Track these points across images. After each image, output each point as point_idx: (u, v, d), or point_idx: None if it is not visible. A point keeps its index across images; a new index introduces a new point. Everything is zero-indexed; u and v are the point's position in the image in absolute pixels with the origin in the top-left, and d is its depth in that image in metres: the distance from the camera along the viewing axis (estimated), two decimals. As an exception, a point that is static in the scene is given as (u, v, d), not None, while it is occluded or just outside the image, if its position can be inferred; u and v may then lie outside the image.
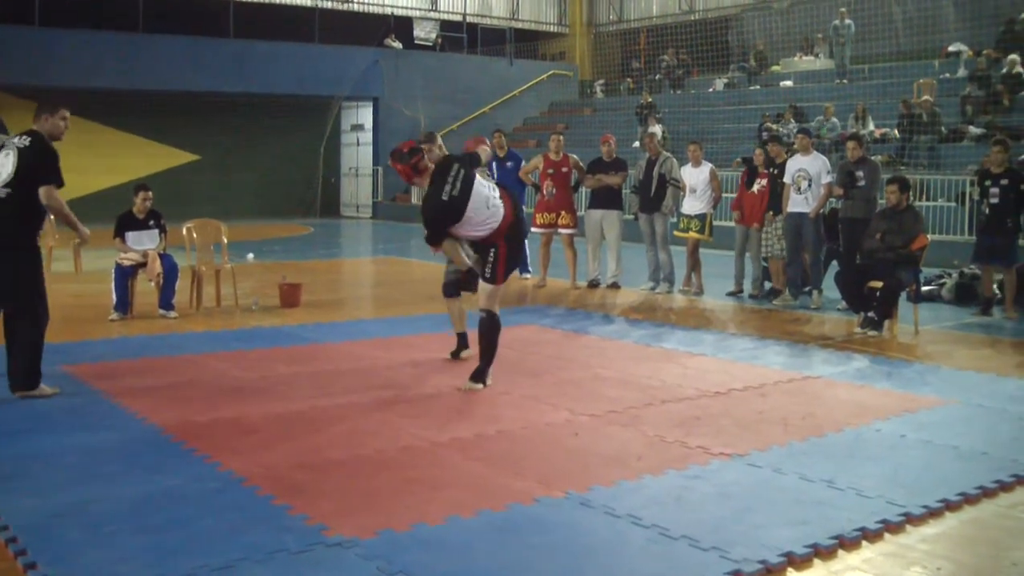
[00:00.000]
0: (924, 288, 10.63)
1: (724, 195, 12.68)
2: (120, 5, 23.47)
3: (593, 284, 12.36)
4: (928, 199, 15.83)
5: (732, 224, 11.85)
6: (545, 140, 18.66)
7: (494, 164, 11.58)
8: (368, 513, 4.35)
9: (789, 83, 23.80)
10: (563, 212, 12.35)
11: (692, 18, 28.56)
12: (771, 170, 11.18)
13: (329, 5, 27.28)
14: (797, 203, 10.64)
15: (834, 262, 11.29)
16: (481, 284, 6.77)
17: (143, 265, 9.62)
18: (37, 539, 4.01)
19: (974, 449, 5.50)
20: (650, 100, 23.92)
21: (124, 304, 9.58)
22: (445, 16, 29.75)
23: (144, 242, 9.80)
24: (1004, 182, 10.20)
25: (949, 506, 4.59)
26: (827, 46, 24.09)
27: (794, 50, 25.35)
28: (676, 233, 12.05)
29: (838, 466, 5.13)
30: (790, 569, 3.91)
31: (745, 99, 23.99)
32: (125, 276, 9.59)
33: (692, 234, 11.78)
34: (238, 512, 4.36)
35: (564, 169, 12.39)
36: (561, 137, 12.81)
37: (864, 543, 4.17)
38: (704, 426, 5.91)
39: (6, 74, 21.23)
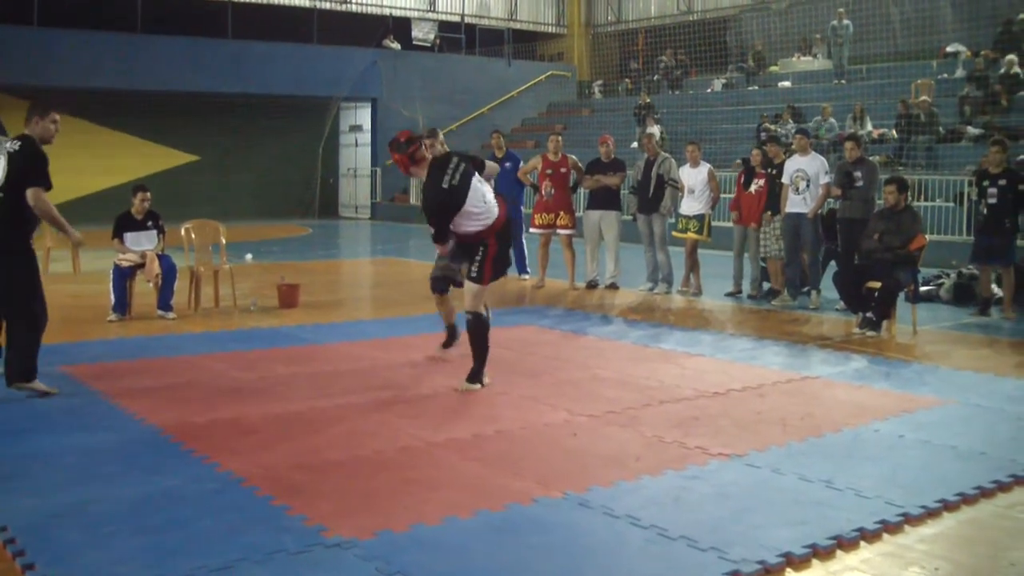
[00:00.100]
0: (922, 288, 10.64)
1: (722, 195, 12.68)
2: (119, 6, 23.47)
3: (591, 285, 12.36)
4: (926, 199, 15.84)
5: (730, 225, 11.86)
6: (543, 141, 18.66)
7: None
8: (367, 514, 4.35)
9: (787, 83, 23.82)
10: (562, 213, 12.36)
11: (690, 19, 28.57)
12: (769, 170, 11.19)
13: (327, 6, 27.28)
14: (795, 203, 10.65)
15: (832, 262, 11.30)
16: (467, 285, 6.80)
17: (141, 266, 9.62)
18: (36, 540, 4.01)
19: (972, 449, 5.50)
20: (648, 101, 23.92)
21: (122, 305, 9.57)
22: (443, 17, 29.76)
23: (142, 243, 9.79)
24: (1002, 182, 10.21)
25: (947, 506, 4.59)
26: (825, 47, 24.10)
27: (792, 51, 25.36)
28: (674, 234, 12.06)
29: (836, 466, 5.13)
30: (788, 569, 3.91)
31: (743, 100, 24.00)
32: (123, 277, 9.59)
33: (690, 235, 11.78)
34: (237, 513, 4.36)
35: (563, 170, 12.40)
36: (560, 138, 12.81)
37: (862, 543, 4.18)
38: (702, 427, 5.91)
39: (5, 74, 21.22)
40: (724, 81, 25.76)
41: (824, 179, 10.55)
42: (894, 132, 18.51)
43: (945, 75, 20.38)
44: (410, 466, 5.08)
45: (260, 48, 24.85)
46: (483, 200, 6.65)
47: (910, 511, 4.47)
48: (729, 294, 11.68)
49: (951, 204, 15.29)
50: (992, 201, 10.24)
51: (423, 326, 9.24)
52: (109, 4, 23.54)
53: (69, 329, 8.73)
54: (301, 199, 27.07)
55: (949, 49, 21.34)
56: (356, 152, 28.32)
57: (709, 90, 25.76)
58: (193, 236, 10.55)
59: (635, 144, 20.14)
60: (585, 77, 31.43)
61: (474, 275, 6.71)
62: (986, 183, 10.34)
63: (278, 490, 4.63)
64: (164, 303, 9.71)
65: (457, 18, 29.82)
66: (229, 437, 5.57)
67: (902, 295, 9.43)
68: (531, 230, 12.66)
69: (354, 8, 28.08)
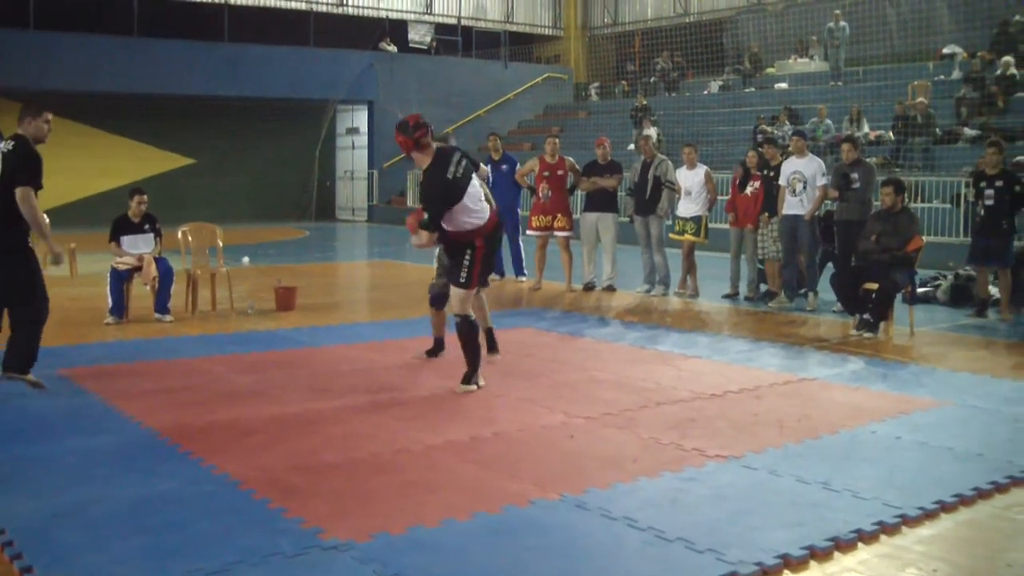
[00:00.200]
0: (919, 290, 10.65)
1: (719, 197, 12.70)
2: (116, 9, 23.46)
3: (588, 287, 12.36)
4: (923, 201, 15.86)
5: (727, 227, 11.86)
6: (540, 143, 18.65)
7: (489, 167, 11.57)
8: (364, 516, 4.35)
9: (784, 85, 23.84)
10: (559, 215, 12.36)
11: (687, 20, 28.62)
12: (765, 172, 11.20)
13: (324, 9, 27.31)
14: (792, 205, 10.66)
15: (829, 264, 11.30)
16: (453, 290, 6.83)
17: (138, 269, 9.62)
18: (34, 542, 4.00)
19: (969, 451, 5.50)
20: (645, 103, 23.94)
21: (119, 308, 9.57)
22: (440, 19, 29.78)
23: (139, 246, 9.79)
24: (999, 184, 10.22)
25: (945, 507, 4.59)
26: (821, 48, 24.12)
27: (789, 52, 25.39)
28: (671, 236, 12.06)
29: (834, 468, 5.14)
30: (786, 571, 3.91)
31: (740, 101, 24.03)
32: (120, 280, 9.58)
33: (687, 236, 11.79)
34: (234, 515, 4.35)
35: (560, 172, 12.40)
36: (557, 140, 12.81)
37: (860, 545, 4.18)
38: (699, 428, 5.92)
39: (2, 78, 21.20)
40: (720, 83, 25.79)
41: (821, 181, 10.56)
42: (891, 134, 18.54)
43: (941, 77, 20.43)
44: (407, 468, 5.08)
45: (257, 51, 24.85)
46: (479, 198, 6.70)
47: (907, 512, 4.47)
48: (726, 296, 11.68)
49: (948, 205, 15.31)
50: (989, 202, 10.25)
51: (419, 329, 9.22)
52: (106, 8, 23.54)
53: (66, 332, 8.72)
54: (298, 202, 27.07)
55: (945, 51, 21.38)
56: (353, 155, 28.33)
57: (706, 92, 25.80)
58: (190, 239, 10.55)
59: (632, 146, 20.17)
60: (582, 79, 31.45)
61: (462, 281, 6.73)
62: (983, 184, 10.35)
63: (275, 492, 4.62)
64: (161, 306, 9.70)
65: (453, 20, 29.84)
66: (226, 439, 5.56)
67: (899, 297, 9.44)
68: (528, 232, 12.66)
69: (350, 11, 28.10)
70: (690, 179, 11.82)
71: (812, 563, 3.99)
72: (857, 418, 6.18)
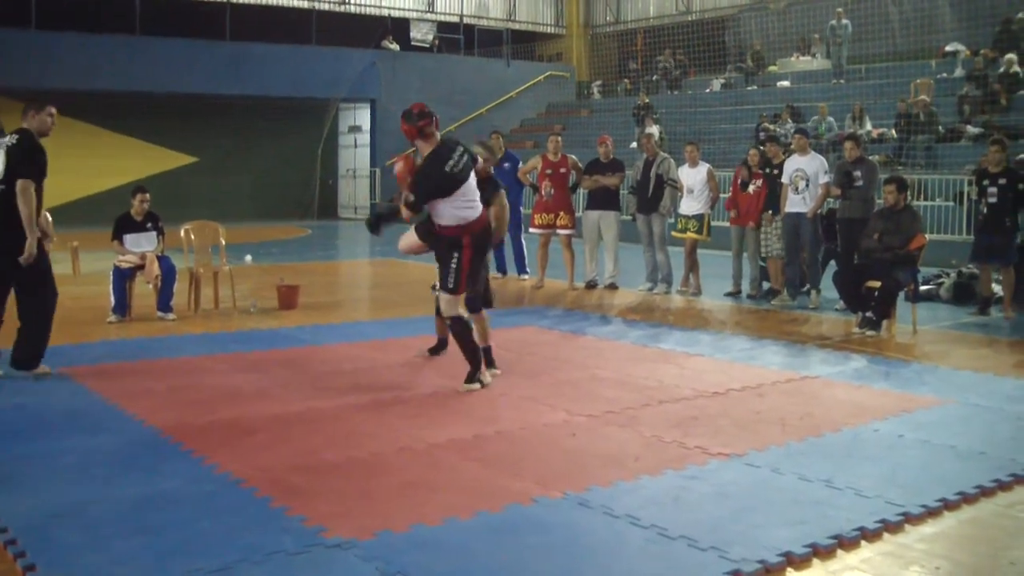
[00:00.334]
0: (922, 288, 10.63)
1: (721, 195, 12.70)
2: (117, 8, 23.46)
3: (591, 285, 12.36)
4: (926, 199, 15.85)
5: (729, 224, 11.85)
6: (542, 141, 18.66)
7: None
8: (366, 514, 4.35)
9: (786, 83, 23.82)
10: (561, 213, 12.36)
11: (689, 19, 28.59)
12: (768, 170, 11.19)
13: (326, 7, 27.29)
14: (795, 203, 10.65)
15: (832, 262, 11.30)
16: (441, 295, 6.85)
17: (141, 267, 9.62)
18: (36, 541, 4.00)
19: (972, 449, 5.50)
20: (647, 101, 23.93)
21: (122, 306, 9.57)
22: (442, 17, 29.77)
23: (142, 244, 9.79)
24: (1002, 181, 10.21)
25: (947, 505, 4.59)
26: (824, 46, 24.10)
27: (791, 50, 25.37)
28: (674, 234, 12.06)
29: (836, 466, 5.13)
30: (789, 569, 3.91)
31: (742, 99, 24.01)
32: (123, 278, 9.59)
33: (690, 234, 11.79)
34: (236, 514, 4.35)
35: (562, 170, 12.40)
36: (559, 138, 12.82)
37: (863, 543, 4.17)
38: (702, 426, 5.91)
39: (4, 77, 21.18)
40: (723, 81, 25.76)
41: (823, 179, 10.56)
42: (893, 132, 18.52)
43: (944, 74, 20.39)
44: (409, 467, 5.08)
45: (259, 49, 24.84)
46: (473, 195, 6.71)
47: (910, 510, 4.47)
48: (728, 294, 11.68)
49: (951, 203, 15.29)
50: (992, 200, 10.24)
51: (422, 327, 9.23)
52: (108, 6, 23.54)
53: (69, 330, 8.72)
54: (300, 200, 27.07)
55: (948, 48, 21.35)
56: (355, 153, 28.32)
57: (708, 90, 25.77)
58: (193, 237, 10.55)
59: (634, 144, 20.15)
60: (584, 77, 31.43)
61: (450, 287, 6.73)
62: (986, 182, 10.35)
63: (277, 491, 4.62)
64: (164, 304, 9.71)
65: (456, 19, 29.82)
66: (229, 438, 5.56)
67: (902, 294, 9.43)
68: (530, 230, 12.67)
69: (353, 9, 28.09)
70: (692, 177, 11.81)
71: (815, 561, 3.99)
72: (860, 416, 6.17)
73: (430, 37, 29.04)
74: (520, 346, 8.38)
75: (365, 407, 6.32)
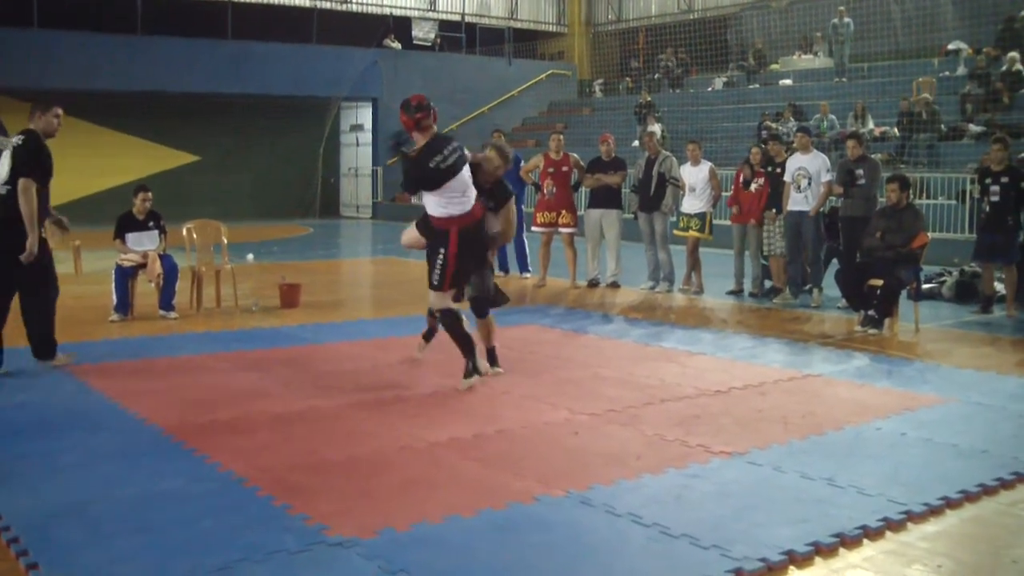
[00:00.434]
0: (924, 286, 10.62)
1: (723, 194, 12.69)
2: (118, 7, 23.46)
3: (593, 283, 12.36)
4: (928, 197, 15.84)
5: (731, 223, 11.84)
6: (544, 140, 18.66)
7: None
8: (368, 513, 4.35)
9: (788, 82, 23.81)
10: (563, 211, 12.36)
11: (691, 17, 28.56)
12: (770, 169, 11.18)
13: (327, 6, 27.28)
14: (797, 201, 10.64)
15: (834, 260, 11.29)
16: (430, 292, 6.85)
17: (143, 266, 9.62)
18: (38, 539, 4.00)
19: (974, 447, 5.50)
20: (649, 99, 23.91)
21: (124, 305, 9.58)
22: (444, 16, 29.75)
23: (144, 243, 9.79)
24: (1004, 180, 10.20)
25: (950, 504, 4.59)
26: (826, 44, 24.09)
27: (793, 49, 25.36)
28: (676, 232, 12.05)
29: (838, 464, 5.13)
30: (791, 567, 3.90)
31: (744, 98, 23.99)
32: (125, 277, 9.59)
33: (692, 233, 11.78)
34: (238, 512, 4.35)
35: (564, 168, 12.40)
36: (561, 136, 12.83)
37: (865, 541, 4.17)
38: (704, 425, 5.91)
39: (5, 76, 21.22)
40: (725, 79, 25.75)
41: (826, 177, 10.55)
42: (896, 130, 18.51)
43: (946, 73, 20.38)
44: (411, 466, 5.08)
45: (260, 48, 24.84)
46: (463, 192, 6.69)
47: (912, 509, 4.46)
48: (730, 292, 11.68)
49: (953, 202, 15.28)
50: (994, 199, 10.23)
51: (423, 326, 9.22)
52: (109, 5, 23.55)
53: (71, 329, 8.71)
54: (302, 199, 27.08)
55: (950, 47, 21.32)
56: (357, 152, 28.32)
57: (710, 88, 25.76)
58: (195, 236, 10.55)
59: (636, 143, 20.13)
60: (586, 76, 31.42)
61: (435, 283, 6.75)
62: (988, 181, 10.33)
63: (279, 490, 4.62)
64: (166, 303, 9.71)
65: (457, 17, 29.81)
66: (230, 437, 5.56)
67: (904, 293, 9.42)
68: (533, 229, 12.66)
69: (354, 8, 28.07)
70: (694, 175, 11.81)
71: (817, 559, 3.98)
72: (862, 414, 6.17)
73: (432, 36, 29.04)
74: (522, 345, 8.38)
75: (366, 406, 6.32)
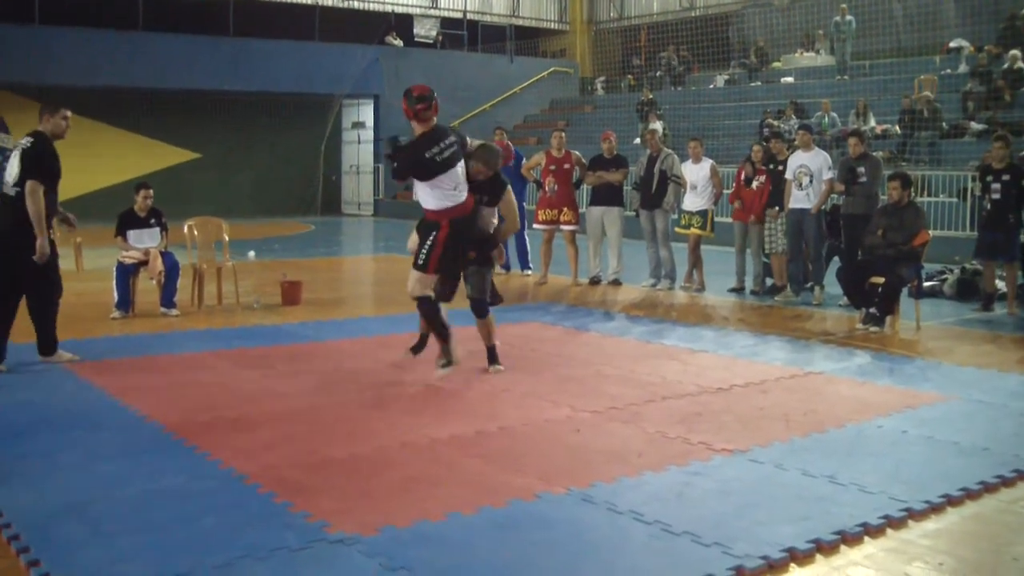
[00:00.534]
0: (926, 284, 10.62)
1: (725, 191, 12.69)
2: (120, 4, 23.42)
3: (594, 281, 12.35)
4: (930, 195, 15.83)
5: (732, 220, 11.84)
6: (546, 137, 18.65)
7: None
8: (369, 510, 4.35)
9: (790, 79, 23.79)
10: (565, 209, 12.36)
11: (693, 15, 28.52)
12: (771, 166, 11.17)
13: (329, 3, 27.24)
14: (798, 199, 10.64)
15: (835, 258, 11.29)
16: (411, 271, 6.83)
17: (144, 263, 9.62)
18: (39, 537, 4.01)
19: (975, 445, 5.49)
20: (651, 97, 23.90)
21: (126, 302, 9.58)
22: (445, 13, 29.72)
23: (145, 240, 9.80)
24: (1006, 178, 10.19)
25: (951, 501, 4.59)
26: (828, 42, 24.07)
27: (795, 46, 25.34)
28: (677, 230, 12.05)
29: (840, 462, 5.13)
30: (792, 564, 3.91)
31: (746, 95, 23.98)
32: (127, 274, 9.59)
33: (693, 230, 11.78)
34: (239, 510, 4.36)
35: (566, 166, 12.40)
36: (563, 134, 12.82)
37: (866, 538, 4.17)
38: (705, 422, 5.91)
39: (6, 73, 21.22)
40: (726, 77, 25.74)
41: (827, 175, 10.54)
42: (897, 128, 18.50)
43: (948, 70, 20.37)
44: (412, 463, 5.08)
45: (262, 45, 24.81)
46: (455, 186, 6.70)
47: (913, 506, 4.46)
48: (732, 290, 11.67)
49: (954, 200, 15.28)
50: (996, 196, 10.22)
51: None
52: (110, 2, 23.51)
53: (73, 326, 8.71)
54: (303, 196, 27.07)
55: (952, 44, 21.31)
56: (359, 149, 28.30)
57: (712, 86, 25.75)
58: (196, 233, 10.55)
59: (638, 140, 20.12)
60: (587, 73, 31.39)
61: (420, 263, 6.76)
62: (990, 178, 10.33)
63: (280, 487, 4.62)
64: (167, 300, 9.72)
65: (459, 15, 29.78)
66: (232, 434, 5.57)
67: (905, 291, 9.42)
68: (534, 226, 12.66)
69: (356, 5, 28.05)
70: (696, 173, 11.81)
71: (818, 557, 3.99)
72: (863, 412, 6.17)
73: (433, 33, 29.01)
74: (523, 342, 8.38)
75: (368, 403, 6.32)
